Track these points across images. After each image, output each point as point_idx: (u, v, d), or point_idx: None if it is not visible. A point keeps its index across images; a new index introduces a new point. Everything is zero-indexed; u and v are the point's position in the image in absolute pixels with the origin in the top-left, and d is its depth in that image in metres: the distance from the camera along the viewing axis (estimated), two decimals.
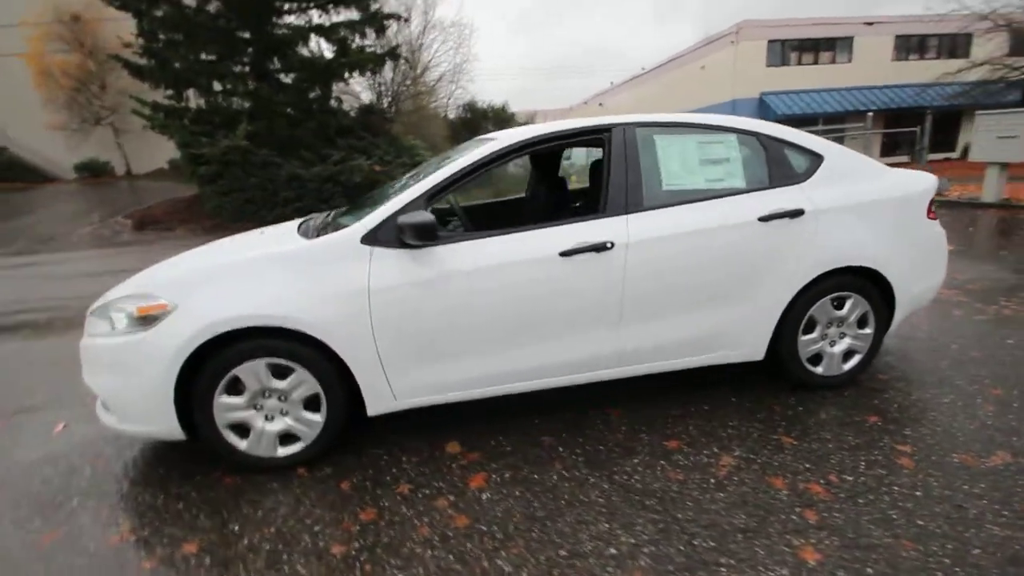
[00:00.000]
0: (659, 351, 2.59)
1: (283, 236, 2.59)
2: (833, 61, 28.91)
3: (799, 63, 28.67)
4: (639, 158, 2.50)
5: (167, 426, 2.19)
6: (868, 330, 2.86)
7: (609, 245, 2.36)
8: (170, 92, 14.01)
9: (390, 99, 20.91)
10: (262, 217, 13.29)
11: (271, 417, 2.29)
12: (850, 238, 2.68)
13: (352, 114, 16.40)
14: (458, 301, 2.27)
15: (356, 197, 14.10)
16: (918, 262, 2.87)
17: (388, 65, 19.80)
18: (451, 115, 24.27)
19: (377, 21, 15.21)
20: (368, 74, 17.52)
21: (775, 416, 2.65)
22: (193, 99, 14.48)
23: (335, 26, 14.94)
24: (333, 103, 15.64)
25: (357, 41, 15.16)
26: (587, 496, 2.08)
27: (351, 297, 2.18)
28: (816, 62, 28.84)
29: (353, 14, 15.11)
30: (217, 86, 14.25)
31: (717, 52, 29.03)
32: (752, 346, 2.72)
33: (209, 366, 2.14)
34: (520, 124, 20.39)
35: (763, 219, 2.55)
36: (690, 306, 2.56)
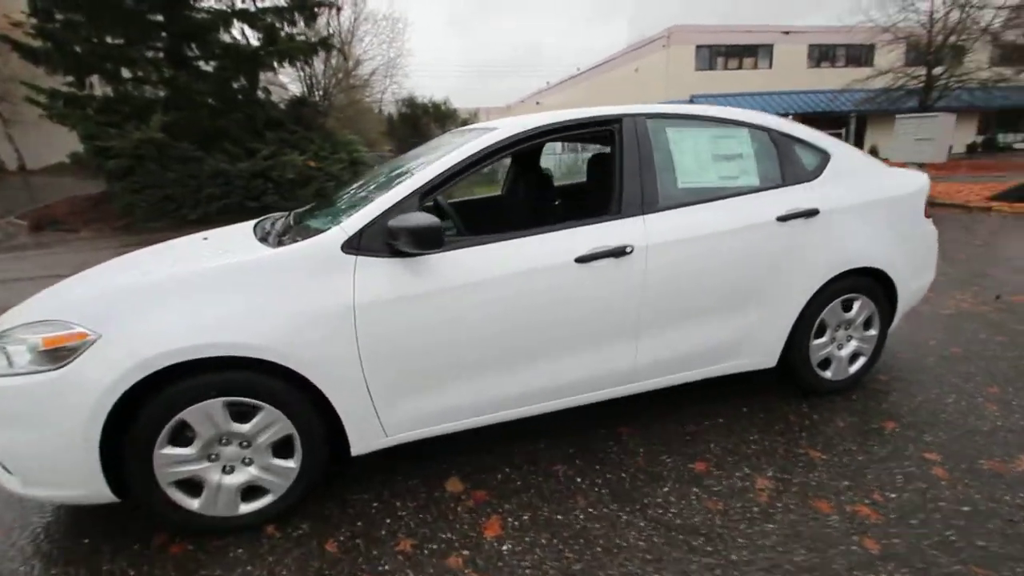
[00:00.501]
0: (675, 363, 2.36)
1: (238, 243, 2.14)
2: (755, 67, 30.50)
3: (725, 68, 30.04)
4: (653, 153, 2.25)
5: (91, 488, 1.70)
6: (873, 331, 2.78)
7: (628, 250, 2.10)
8: (70, 79, 12.50)
9: (322, 92, 19.87)
10: (183, 216, 12.16)
11: (230, 468, 1.84)
12: (861, 238, 2.57)
13: (282, 106, 15.35)
14: (463, 316, 1.93)
15: (288, 194, 13.35)
16: (916, 261, 2.81)
17: (319, 57, 18.82)
18: (389, 110, 23.44)
19: (307, 9, 14.29)
20: (298, 65, 16.52)
21: (793, 427, 2.49)
22: (98, 87, 13.00)
23: (261, 12, 13.90)
24: (260, 94, 14.56)
25: (286, 29, 14.19)
26: (624, 539, 1.80)
27: (332, 317, 1.78)
28: (740, 67, 30.33)
29: (280, 0, 14.12)
30: (127, 73, 12.87)
31: (650, 55, 29.87)
32: (765, 353, 2.55)
33: (147, 411, 1.67)
34: (463, 121, 19.93)
35: (781, 219, 2.38)
36: (708, 313, 2.35)
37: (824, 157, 2.61)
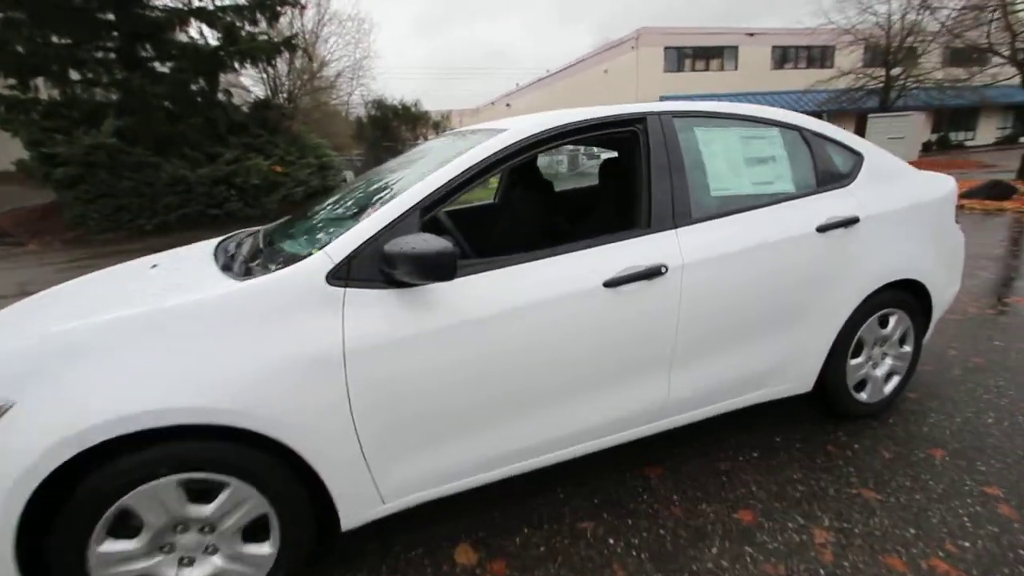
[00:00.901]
0: (709, 395, 2.08)
1: (195, 272, 1.76)
2: (722, 68, 30.95)
3: (693, 69, 30.39)
4: (683, 157, 1.96)
5: None
6: (908, 348, 2.56)
7: (663, 270, 1.80)
8: (12, 81, 11.63)
9: (286, 95, 19.19)
10: (139, 227, 11.46)
11: (189, 560, 1.47)
12: (900, 248, 2.34)
13: (245, 109, 14.68)
14: (478, 357, 1.60)
15: (254, 201, 12.73)
16: (949, 270, 2.61)
17: (283, 58, 18.16)
18: (357, 113, 22.84)
19: (269, 7, 13.68)
20: (261, 66, 15.89)
21: (836, 461, 2.23)
22: (44, 90, 12.15)
23: (220, 10, 13.23)
24: (222, 97, 13.87)
25: (247, 28, 13.56)
26: None
27: (317, 367, 1.43)
28: (707, 69, 30.74)
29: None
30: (75, 75, 12.05)
31: (619, 57, 29.97)
32: (802, 377, 2.30)
33: (79, 497, 1.30)
34: (435, 123, 19.48)
35: (821, 229, 2.12)
36: (745, 337, 2.07)
37: (857, 159, 2.38)
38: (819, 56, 30.56)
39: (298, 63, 19.91)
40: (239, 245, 2.02)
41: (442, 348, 1.55)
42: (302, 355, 1.42)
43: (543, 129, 1.80)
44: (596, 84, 31.31)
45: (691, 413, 2.08)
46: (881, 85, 21.76)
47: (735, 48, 30.80)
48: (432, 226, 1.79)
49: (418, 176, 1.72)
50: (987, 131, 31.28)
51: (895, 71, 21.47)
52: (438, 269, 1.42)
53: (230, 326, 1.39)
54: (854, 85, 22.32)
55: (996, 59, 16.62)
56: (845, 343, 2.32)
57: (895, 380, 2.57)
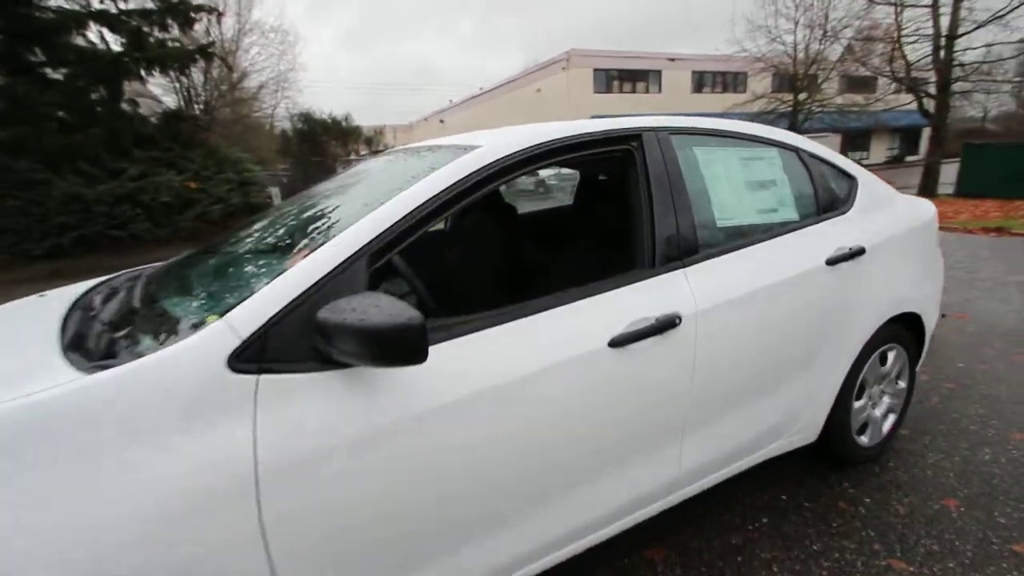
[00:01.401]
0: (724, 459, 1.77)
1: (19, 356, 1.20)
2: (647, 91, 32.27)
3: (620, 91, 31.46)
4: (684, 181, 1.65)
5: None
6: (903, 384, 2.38)
7: (677, 320, 1.47)
8: None
9: (202, 106, 17.88)
10: (26, 251, 10.04)
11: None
12: (901, 279, 2.16)
13: (154, 121, 13.40)
14: (454, 454, 1.19)
15: (164, 220, 11.53)
16: (935, 297, 2.48)
17: (198, 67, 16.92)
18: (283, 126, 21.67)
19: (181, 13, 12.62)
20: (172, 75, 14.64)
21: (853, 522, 1.98)
22: None
23: (124, 13, 12.06)
24: (126, 107, 12.60)
25: (155, 34, 12.43)
26: None
27: (214, 501, 0.96)
28: (634, 91, 31.93)
29: (147, 1, 12.37)
30: None
31: (551, 76, 30.49)
32: (808, 427, 2.04)
33: None
34: (367, 139, 18.67)
35: (831, 262, 1.88)
36: (761, 388, 1.79)
37: (852, 183, 2.18)
38: (733, 81, 32.54)
39: (216, 73, 18.64)
40: (105, 301, 1.48)
41: (404, 449, 1.12)
42: (188, 487, 0.94)
43: (529, 146, 1.43)
44: (529, 103, 31.65)
45: (702, 482, 1.76)
46: (790, 109, 23.36)
47: (659, 72, 32.23)
48: (381, 273, 1.36)
49: (362, 206, 1.29)
50: (878, 151, 34.38)
51: (801, 96, 23.13)
52: (402, 349, 0.98)
53: (79, 444, 0.90)
54: (766, 108, 23.80)
55: (884, 86, 18.35)
56: (850, 386, 2.10)
57: (891, 419, 2.39)
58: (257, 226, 1.72)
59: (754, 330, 1.68)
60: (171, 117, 14.06)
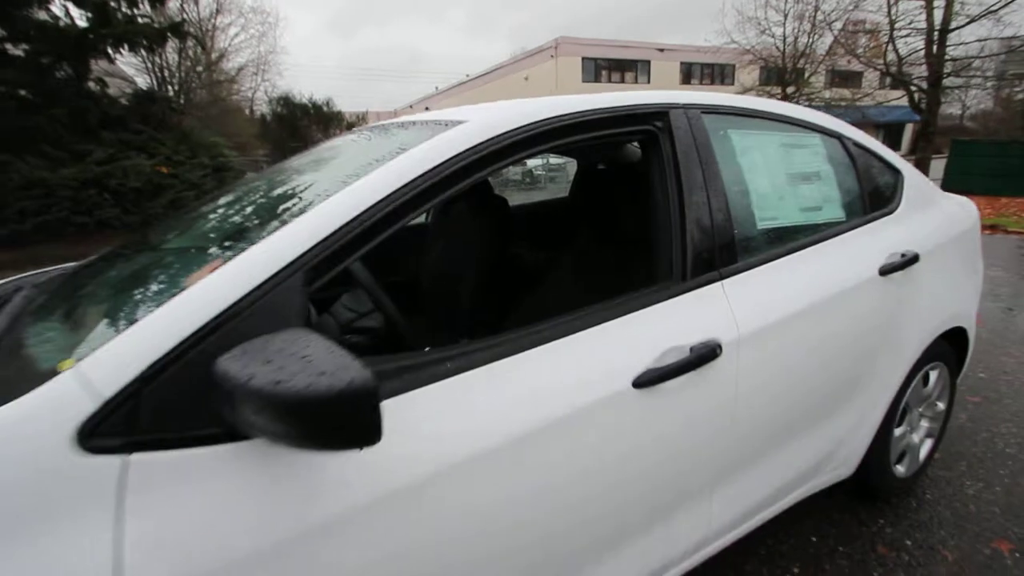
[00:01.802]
0: (756, 507, 1.47)
1: None
2: (636, 81, 31.97)
3: (609, 80, 31.10)
4: (720, 172, 1.33)
5: None
6: (942, 405, 2.12)
7: (717, 350, 1.15)
8: None
9: (176, 87, 17.16)
10: None
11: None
12: (951, 290, 1.88)
13: (124, 102, 12.74)
14: (422, 558, 0.86)
15: (133, 207, 10.95)
16: (975, 309, 2.21)
17: (173, 47, 16.20)
18: (262, 111, 20.95)
19: None
20: (143, 54, 13.99)
21: (895, 571, 1.71)
22: None
23: None
24: (93, 86, 11.95)
25: (124, 10, 11.76)
26: None
27: None
28: (623, 80, 31.60)
29: None
30: None
31: (540, 64, 30.01)
32: (847, 460, 1.75)
33: None
34: (348, 125, 18.02)
35: (884, 272, 1.59)
36: (803, 424, 1.49)
37: (897, 176, 1.89)
38: (721, 73, 32.35)
39: (192, 53, 17.89)
40: None
41: (352, 558, 0.79)
42: None
43: (530, 122, 1.09)
44: (517, 90, 31.14)
45: (732, 535, 1.46)
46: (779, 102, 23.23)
47: (647, 62, 31.93)
48: (329, 292, 1.02)
49: (307, 195, 0.95)
50: None
51: (789, 89, 22.98)
52: (342, 427, 0.65)
53: None
54: None
55: (871, 80, 18.21)
56: (893, 412, 1.82)
57: (928, 444, 2.12)
58: (180, 222, 1.36)
59: (802, 355, 1.38)
60: (142, 98, 13.40)
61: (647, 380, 1.05)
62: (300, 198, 0.94)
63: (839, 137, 1.73)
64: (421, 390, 0.86)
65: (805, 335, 1.36)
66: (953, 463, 2.28)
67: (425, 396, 0.86)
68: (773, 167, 1.52)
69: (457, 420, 0.88)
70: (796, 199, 1.54)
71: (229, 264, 0.77)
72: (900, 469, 2.01)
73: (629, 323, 1.10)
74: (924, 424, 2.08)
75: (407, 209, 0.92)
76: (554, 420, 0.96)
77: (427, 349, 0.92)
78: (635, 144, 1.58)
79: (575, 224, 2.25)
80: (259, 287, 0.75)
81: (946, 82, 15.55)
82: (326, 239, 0.83)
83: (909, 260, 1.65)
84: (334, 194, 0.89)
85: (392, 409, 0.80)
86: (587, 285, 1.28)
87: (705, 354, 1.12)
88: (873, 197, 1.75)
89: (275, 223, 0.89)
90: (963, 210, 2.14)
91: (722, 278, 1.25)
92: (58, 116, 10.86)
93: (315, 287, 0.82)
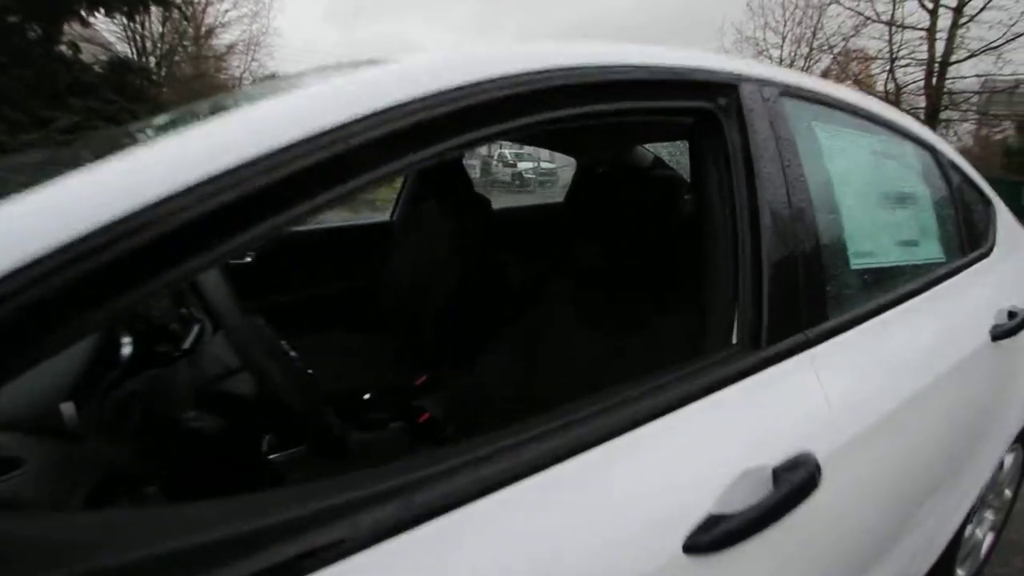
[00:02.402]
0: None
1: None
2: None
3: None
4: (807, 180, 0.90)
5: None
6: (1009, 492, 1.72)
7: (816, 474, 0.70)
8: None
9: (157, 57, 16.45)
10: None
11: None
12: None
13: (98, 69, 12.06)
14: None
15: None
16: None
17: (157, 16, 15.47)
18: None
19: None
20: (123, 20, 13.29)
21: None
22: None
23: None
24: (66, 50, 11.27)
25: None
26: None
27: None
28: None
29: None
30: None
31: None
32: (918, 570, 1.33)
33: None
34: None
35: (996, 336, 1.17)
36: (886, 544, 1.05)
37: (989, 209, 1.48)
38: None
39: (178, 25, 17.15)
40: None
41: None
42: None
43: (516, 73, 0.60)
44: None
45: None
46: None
47: None
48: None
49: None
50: None
51: None
52: None
53: None
54: None
55: None
56: (975, 508, 1.41)
57: (990, 539, 1.72)
58: None
59: (904, 459, 0.95)
60: (118, 66, 12.70)
61: (708, 542, 0.59)
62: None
63: (932, 150, 1.31)
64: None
65: (912, 430, 0.93)
66: (1009, 556, 1.89)
67: None
68: (866, 181, 1.09)
69: None
70: (892, 229, 1.11)
71: None
72: (961, 573, 1.60)
73: (672, 426, 0.65)
74: (989, 516, 1.68)
75: (241, 211, 0.45)
76: None
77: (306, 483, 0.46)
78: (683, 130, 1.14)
79: (574, 237, 1.78)
80: None
81: (943, 115, 15.54)
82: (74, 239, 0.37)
83: (1021, 322, 1.23)
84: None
85: None
86: (593, 323, 0.86)
87: (799, 485, 0.67)
88: (969, 232, 1.33)
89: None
90: None
91: (810, 344, 0.81)
92: (24, 78, 10.21)
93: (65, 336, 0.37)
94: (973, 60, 14.35)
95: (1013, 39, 13.60)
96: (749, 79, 0.89)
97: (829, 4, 18.34)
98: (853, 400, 0.82)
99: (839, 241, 0.94)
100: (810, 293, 0.84)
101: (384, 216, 2.18)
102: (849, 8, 17.05)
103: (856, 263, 0.96)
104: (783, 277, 0.80)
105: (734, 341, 0.78)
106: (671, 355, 0.78)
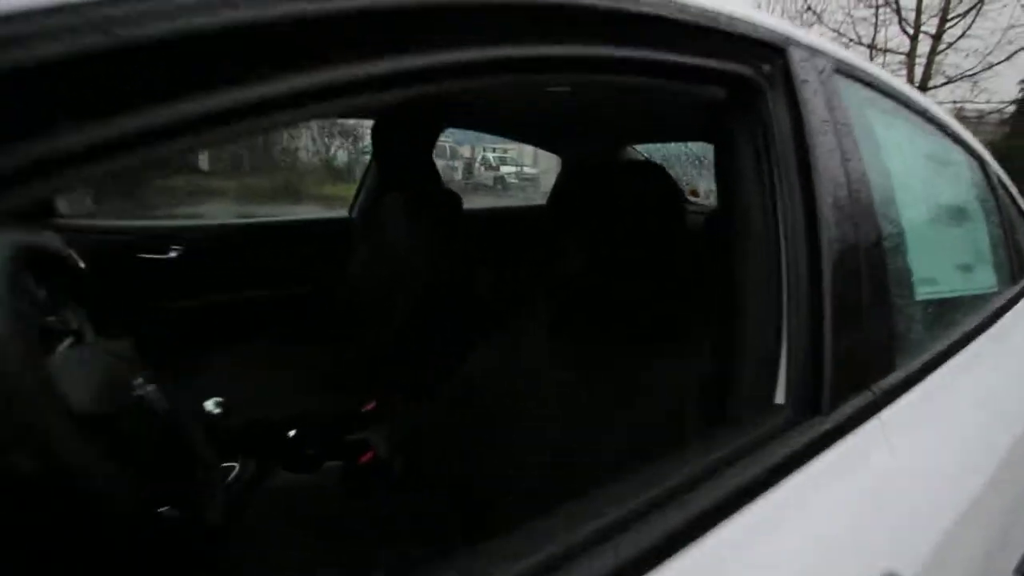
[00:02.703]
0: None
1: None
2: None
3: None
4: (867, 175, 0.68)
5: None
6: None
7: None
8: None
9: None
10: None
11: None
12: None
13: None
14: None
15: None
16: None
17: None
18: None
19: None
20: None
21: None
22: None
23: None
24: None
25: None
26: None
27: None
28: None
29: None
30: None
31: None
32: None
33: None
34: None
35: None
36: None
37: None
38: None
39: None
40: None
41: None
42: None
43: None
44: None
45: None
46: None
47: None
48: None
49: None
50: None
51: None
52: None
53: None
54: None
55: None
56: None
57: None
58: None
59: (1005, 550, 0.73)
60: None
61: None
62: None
63: (982, 161, 1.11)
64: None
65: (995, 510, 0.72)
66: None
67: None
68: (926, 191, 0.88)
69: None
70: (950, 250, 0.91)
71: None
72: None
73: (716, 549, 0.41)
74: None
75: None
76: None
77: None
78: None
79: (555, 245, 1.54)
80: None
81: None
82: None
83: None
84: None
85: None
86: (581, 360, 0.64)
87: None
88: (1018, 254, 1.14)
89: None
90: None
91: (879, 407, 0.59)
92: None
93: None
94: (950, 86, 14.65)
95: (987, 68, 13.91)
96: (799, 44, 0.66)
97: (811, 25, 18.62)
98: (939, 485, 0.60)
99: (904, 264, 0.72)
100: (876, 335, 0.61)
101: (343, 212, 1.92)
102: (832, 30, 17.30)
103: (921, 293, 0.75)
104: (848, 313, 0.57)
105: (779, 401, 0.55)
106: (675, 418, 0.55)
